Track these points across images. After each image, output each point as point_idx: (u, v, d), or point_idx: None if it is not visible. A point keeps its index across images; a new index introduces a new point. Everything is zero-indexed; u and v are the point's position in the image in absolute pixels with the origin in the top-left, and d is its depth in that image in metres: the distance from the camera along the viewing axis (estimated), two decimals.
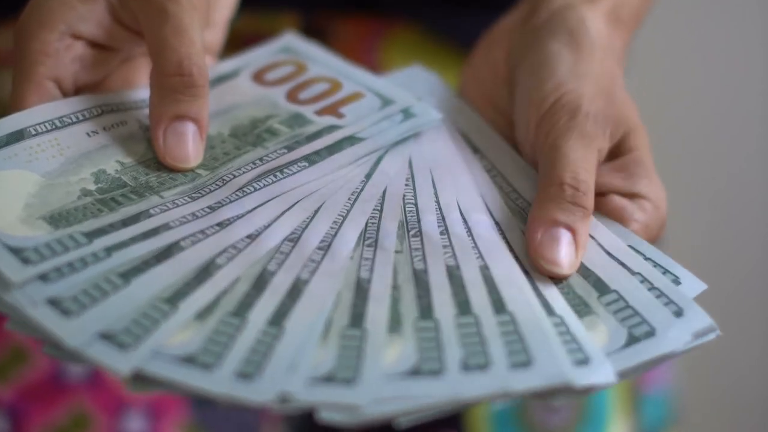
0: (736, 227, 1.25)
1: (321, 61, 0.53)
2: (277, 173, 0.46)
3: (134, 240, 0.42)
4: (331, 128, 0.49)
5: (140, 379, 0.38)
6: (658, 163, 0.48)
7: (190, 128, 0.46)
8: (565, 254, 0.43)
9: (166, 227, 0.43)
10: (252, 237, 0.44)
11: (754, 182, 1.24)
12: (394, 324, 0.41)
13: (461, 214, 0.46)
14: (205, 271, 0.42)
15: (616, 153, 0.48)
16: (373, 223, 0.45)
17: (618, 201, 0.47)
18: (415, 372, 0.39)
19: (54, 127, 0.46)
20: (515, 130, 0.50)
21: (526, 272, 0.44)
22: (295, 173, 0.46)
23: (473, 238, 0.45)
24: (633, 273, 0.44)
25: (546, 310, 0.42)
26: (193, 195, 0.45)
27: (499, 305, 0.42)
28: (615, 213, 0.46)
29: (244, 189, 0.46)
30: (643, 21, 0.55)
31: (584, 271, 0.44)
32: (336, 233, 0.44)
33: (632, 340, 0.41)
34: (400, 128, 0.49)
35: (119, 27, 0.48)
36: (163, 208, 0.44)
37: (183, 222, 0.44)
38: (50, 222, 0.43)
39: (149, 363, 0.38)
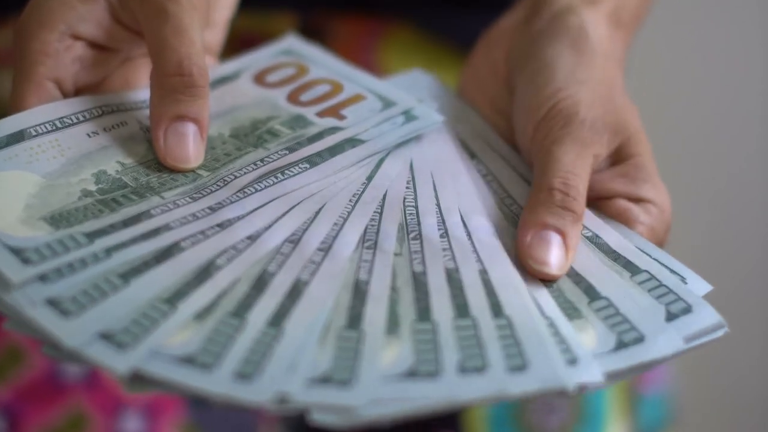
0: (736, 227, 1.25)
1: (322, 63, 0.53)
2: (278, 174, 0.46)
3: (134, 240, 0.42)
4: (333, 130, 0.49)
5: (137, 379, 0.38)
6: (658, 164, 0.48)
7: (190, 129, 0.46)
8: (554, 255, 0.44)
9: (166, 228, 0.43)
10: (252, 238, 0.44)
11: (754, 182, 1.24)
12: (392, 326, 0.41)
13: (461, 217, 0.46)
14: (205, 272, 0.42)
15: (618, 159, 0.48)
16: (373, 225, 0.45)
17: (623, 204, 0.47)
18: (412, 374, 0.39)
19: (54, 128, 0.46)
20: (515, 134, 0.50)
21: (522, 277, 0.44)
22: (296, 174, 0.47)
23: (473, 242, 0.45)
24: (640, 271, 0.44)
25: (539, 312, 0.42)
26: (194, 195, 0.45)
27: (497, 309, 0.42)
28: (621, 216, 0.47)
29: (245, 190, 0.46)
30: (643, 21, 0.55)
31: (576, 277, 0.44)
32: (337, 235, 0.44)
33: (621, 345, 0.41)
34: (401, 131, 0.49)
35: (119, 27, 0.48)
36: (164, 208, 0.44)
37: (183, 222, 0.44)
38: (51, 222, 0.43)
39: (148, 363, 0.38)
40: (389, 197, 0.47)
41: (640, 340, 0.41)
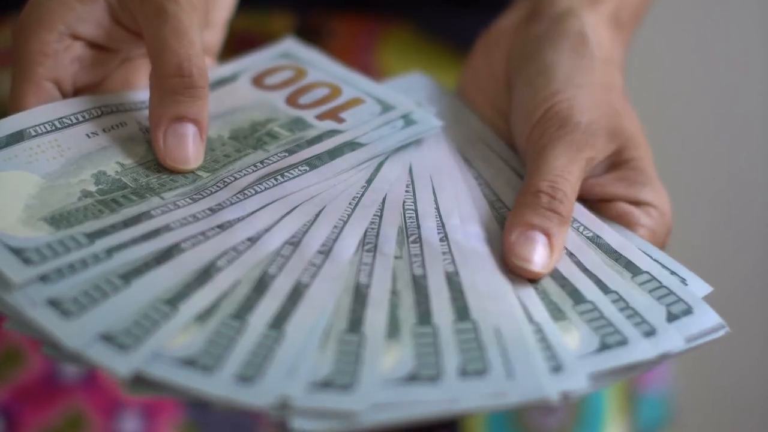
0: (736, 227, 1.25)
1: (320, 66, 0.53)
2: (278, 176, 0.46)
3: (135, 241, 0.42)
4: (332, 133, 0.49)
5: (138, 381, 0.38)
6: (658, 164, 0.48)
7: (190, 130, 0.46)
8: (538, 254, 0.43)
9: (166, 228, 0.43)
10: (252, 240, 0.44)
11: (754, 182, 1.24)
12: (393, 329, 0.41)
13: (460, 220, 0.46)
14: (206, 273, 0.42)
15: (617, 162, 0.48)
16: (372, 229, 0.45)
17: (624, 207, 0.47)
18: (413, 378, 0.39)
19: (54, 128, 0.46)
20: (513, 137, 0.50)
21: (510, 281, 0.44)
22: (296, 177, 0.46)
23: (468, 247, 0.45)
24: (641, 272, 0.44)
25: (527, 317, 0.42)
26: (194, 196, 0.45)
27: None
28: (621, 218, 0.47)
29: (245, 191, 0.46)
30: (642, 20, 0.55)
31: (561, 280, 0.44)
32: (337, 237, 0.44)
33: (604, 346, 0.41)
34: (400, 135, 0.49)
35: (118, 28, 0.48)
36: (164, 209, 0.44)
37: (184, 223, 0.44)
38: (51, 223, 0.43)
39: (149, 365, 0.38)
40: (389, 201, 0.47)
41: (623, 342, 0.41)
